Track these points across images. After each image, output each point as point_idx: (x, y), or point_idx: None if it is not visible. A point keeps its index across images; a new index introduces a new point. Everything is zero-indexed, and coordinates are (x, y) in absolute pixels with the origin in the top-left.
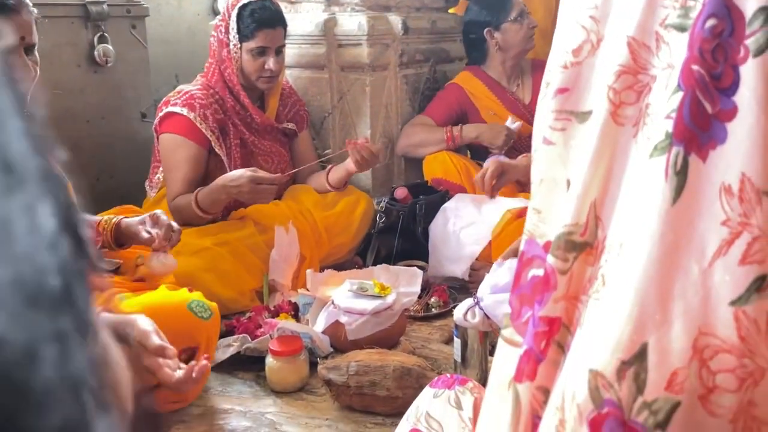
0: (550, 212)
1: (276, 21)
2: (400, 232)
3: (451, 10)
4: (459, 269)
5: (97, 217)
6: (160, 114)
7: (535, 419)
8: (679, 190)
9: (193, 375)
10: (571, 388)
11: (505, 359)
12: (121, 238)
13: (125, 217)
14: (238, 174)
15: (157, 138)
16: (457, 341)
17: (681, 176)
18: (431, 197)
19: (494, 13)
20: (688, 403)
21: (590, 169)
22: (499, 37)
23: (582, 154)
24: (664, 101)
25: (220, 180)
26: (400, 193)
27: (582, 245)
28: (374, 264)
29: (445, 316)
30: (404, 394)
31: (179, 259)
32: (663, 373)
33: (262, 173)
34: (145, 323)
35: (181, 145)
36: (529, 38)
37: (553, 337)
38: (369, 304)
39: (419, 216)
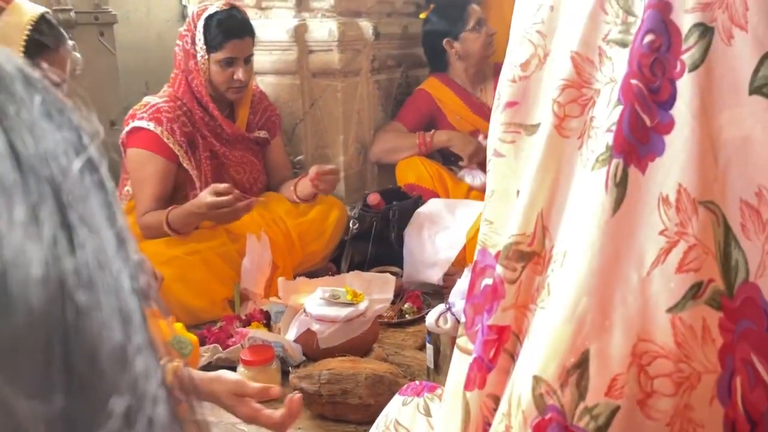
0: (502, 223)
1: (244, 31)
2: (373, 239)
3: (422, 15)
4: (434, 275)
5: None
6: (127, 129)
7: (486, 426)
8: (618, 202)
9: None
10: (516, 395)
11: (460, 367)
12: None
13: None
14: (198, 202)
15: (125, 152)
16: (429, 347)
17: (621, 188)
18: (404, 203)
19: (452, 23)
20: (627, 407)
21: (537, 180)
22: (458, 47)
23: (530, 166)
24: (606, 116)
25: (188, 206)
26: (373, 199)
27: (530, 255)
28: (348, 271)
29: (419, 323)
30: (377, 401)
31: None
32: (604, 379)
33: (218, 199)
34: (231, 374)
35: (149, 160)
36: (488, 45)
37: (503, 346)
38: (341, 312)
39: (393, 222)
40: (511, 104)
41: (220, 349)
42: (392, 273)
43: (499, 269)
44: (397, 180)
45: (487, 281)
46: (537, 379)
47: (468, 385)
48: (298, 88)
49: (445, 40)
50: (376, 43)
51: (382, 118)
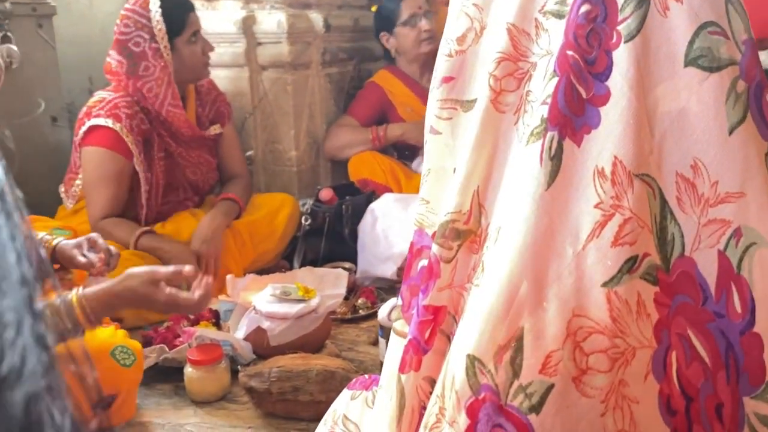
0: (438, 202)
1: (190, 1)
2: (326, 234)
3: (373, 8)
4: (388, 269)
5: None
6: (84, 128)
7: (422, 411)
8: (553, 175)
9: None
10: (450, 375)
11: (395, 352)
12: (56, 261)
13: (62, 240)
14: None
15: (79, 150)
16: (382, 341)
17: (555, 161)
18: (357, 198)
19: (387, 17)
20: (562, 385)
21: (473, 157)
22: (393, 42)
23: (466, 143)
24: (542, 88)
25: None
26: (326, 194)
27: (466, 233)
28: (301, 267)
29: (373, 318)
30: (328, 398)
31: None
32: (538, 356)
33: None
34: (140, 267)
35: (108, 159)
36: (422, 41)
37: (439, 327)
38: (292, 309)
39: (346, 217)
40: (447, 79)
41: (167, 349)
42: (346, 269)
43: (434, 248)
44: (350, 175)
45: (424, 262)
46: (471, 358)
47: (402, 368)
48: (246, 81)
49: (381, 34)
50: (327, 35)
51: (335, 112)
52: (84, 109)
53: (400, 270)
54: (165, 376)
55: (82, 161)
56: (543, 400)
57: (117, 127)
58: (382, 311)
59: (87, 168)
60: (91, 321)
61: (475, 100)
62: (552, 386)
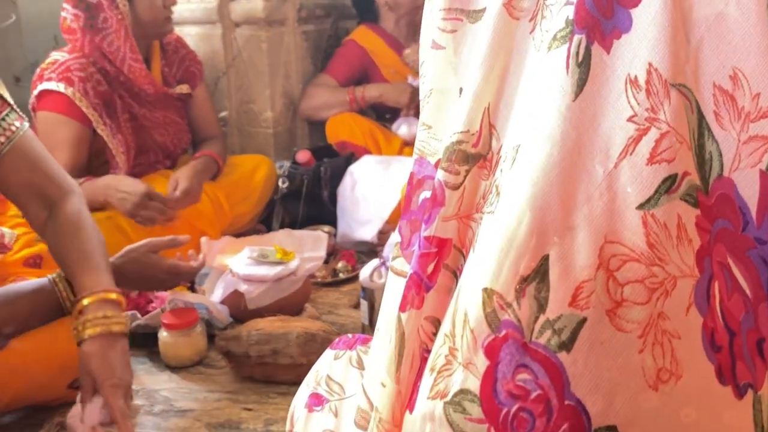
0: (442, 126)
1: None
2: (305, 197)
3: None
4: (369, 233)
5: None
6: (35, 92)
7: (425, 354)
8: (581, 84)
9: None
10: (462, 311)
11: (394, 292)
12: None
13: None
14: (131, 183)
15: (34, 115)
16: (363, 303)
17: (583, 68)
18: (336, 160)
19: None
20: (595, 318)
21: (483, 70)
22: None
23: (474, 57)
24: None
25: (110, 180)
26: (303, 156)
27: (475, 157)
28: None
29: (353, 281)
30: (309, 360)
31: None
32: (567, 288)
33: (157, 192)
34: (136, 244)
35: (61, 124)
36: None
37: (444, 261)
38: (270, 271)
39: (324, 180)
40: None
41: (139, 315)
42: (325, 232)
43: (439, 174)
44: (327, 137)
45: (426, 194)
46: (488, 292)
47: (403, 306)
48: (219, 39)
49: None
50: None
51: (311, 71)
52: (37, 71)
53: (381, 233)
54: (139, 341)
55: (38, 126)
56: (574, 336)
57: (69, 91)
58: (364, 272)
59: (41, 134)
60: None
61: (483, 9)
62: (584, 320)
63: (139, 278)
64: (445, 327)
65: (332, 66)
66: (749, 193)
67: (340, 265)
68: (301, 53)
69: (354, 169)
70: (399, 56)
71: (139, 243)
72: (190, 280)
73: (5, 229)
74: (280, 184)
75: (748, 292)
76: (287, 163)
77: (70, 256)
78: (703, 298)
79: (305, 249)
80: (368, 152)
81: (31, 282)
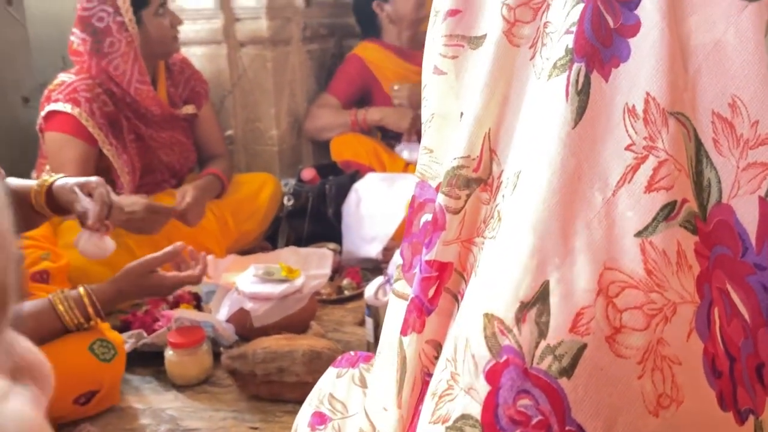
0: (443, 150)
1: None
2: (310, 215)
3: None
4: (374, 249)
5: (30, 182)
6: (43, 113)
7: (426, 378)
8: (581, 111)
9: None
10: (464, 337)
11: (396, 314)
12: (54, 202)
13: (61, 177)
14: (132, 202)
15: (42, 136)
16: (369, 321)
17: (583, 96)
18: (341, 177)
19: None
20: (595, 345)
21: (484, 96)
22: (389, 9)
23: (475, 83)
24: (563, 17)
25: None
26: (308, 174)
27: (476, 181)
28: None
29: (358, 299)
30: (315, 378)
31: (69, 252)
32: (567, 314)
33: (159, 203)
34: (134, 263)
35: (67, 144)
36: (420, 6)
37: (445, 285)
38: (275, 289)
39: (329, 197)
40: (453, 12)
41: (145, 334)
42: (330, 249)
43: (440, 198)
44: (332, 156)
45: (427, 216)
46: (488, 317)
47: (404, 329)
48: (224, 59)
49: (375, 3)
50: (308, 10)
51: (316, 89)
52: (45, 92)
53: (386, 250)
54: (145, 360)
55: (45, 146)
56: (575, 362)
57: (76, 112)
58: (369, 289)
59: (49, 154)
60: (101, 315)
61: (484, 36)
62: (584, 346)
63: (140, 294)
64: (447, 351)
65: (333, 84)
66: (748, 219)
67: (345, 282)
68: (306, 72)
69: (359, 186)
70: (403, 61)
71: (136, 263)
72: (195, 283)
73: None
74: (285, 201)
75: (747, 317)
76: (292, 181)
77: None
78: (703, 323)
79: (310, 266)
80: (373, 171)
81: (31, 303)
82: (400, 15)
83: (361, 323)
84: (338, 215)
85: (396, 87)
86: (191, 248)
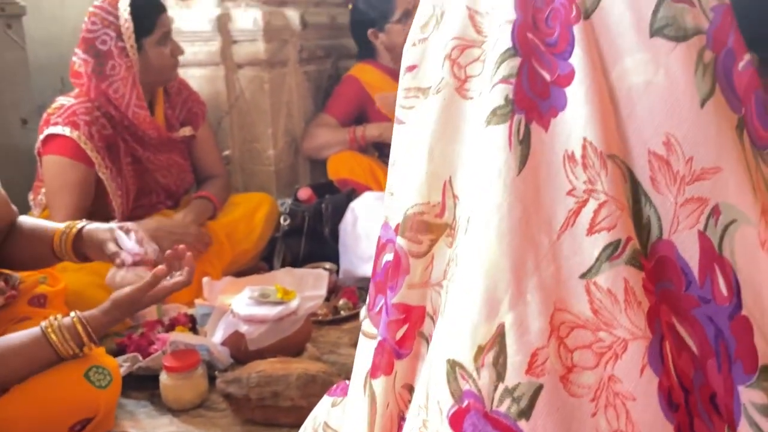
0: (404, 195)
1: (161, 1)
2: (306, 234)
3: (350, 6)
4: (371, 269)
5: (50, 223)
6: (41, 136)
7: (401, 422)
8: (523, 160)
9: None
10: (432, 383)
11: (364, 354)
12: (83, 247)
13: (90, 224)
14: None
15: (40, 159)
16: None
17: (524, 146)
18: (337, 196)
19: (378, 13)
20: (551, 385)
21: (438, 146)
22: (383, 38)
23: (430, 132)
24: (494, 61)
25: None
26: (304, 193)
27: (441, 227)
28: (281, 268)
29: (355, 319)
30: (309, 403)
31: (66, 276)
32: (523, 355)
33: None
34: (121, 292)
35: (67, 168)
36: None
37: (418, 329)
38: (271, 311)
39: (326, 216)
40: (410, 68)
41: (140, 357)
42: (326, 269)
43: (400, 241)
44: (329, 174)
45: (388, 257)
46: (450, 363)
47: (374, 372)
48: (222, 80)
49: (370, 31)
50: (304, 32)
51: (313, 110)
52: (44, 116)
53: None
54: (140, 383)
55: (43, 170)
56: (532, 403)
57: (75, 135)
58: (364, 311)
59: (47, 177)
60: (94, 341)
61: (438, 89)
62: (541, 387)
63: (132, 313)
64: (419, 398)
65: (331, 105)
66: (690, 253)
67: (341, 302)
68: (303, 93)
69: (355, 205)
70: (397, 84)
71: (123, 292)
72: (186, 286)
73: (8, 273)
74: (281, 221)
75: (694, 349)
76: (289, 201)
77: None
78: (656, 358)
79: (306, 287)
80: (369, 189)
81: (23, 334)
82: (394, 44)
83: (357, 344)
84: (335, 234)
85: (379, 96)
86: (168, 251)
